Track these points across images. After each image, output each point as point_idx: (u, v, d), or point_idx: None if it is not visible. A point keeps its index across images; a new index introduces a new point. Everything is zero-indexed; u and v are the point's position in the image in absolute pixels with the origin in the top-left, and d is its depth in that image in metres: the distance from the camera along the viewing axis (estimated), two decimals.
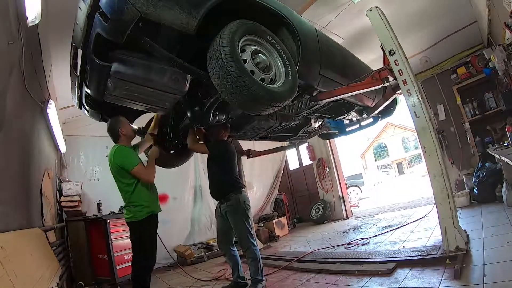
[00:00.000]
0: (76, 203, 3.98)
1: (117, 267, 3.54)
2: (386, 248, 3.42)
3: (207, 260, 4.91)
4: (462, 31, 4.79)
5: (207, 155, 2.99)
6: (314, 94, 2.73)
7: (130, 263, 2.48)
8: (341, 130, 3.89)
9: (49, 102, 2.93)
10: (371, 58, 4.36)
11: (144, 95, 2.01)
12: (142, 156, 2.72)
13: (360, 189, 12.23)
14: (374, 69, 2.95)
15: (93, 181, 4.77)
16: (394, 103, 4.00)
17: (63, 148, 4.07)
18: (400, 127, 31.38)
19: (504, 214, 3.37)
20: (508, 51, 3.52)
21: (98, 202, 4.23)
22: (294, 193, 8.09)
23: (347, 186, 7.91)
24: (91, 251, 3.75)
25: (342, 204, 6.78)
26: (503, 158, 2.73)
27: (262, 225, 6.04)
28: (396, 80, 2.65)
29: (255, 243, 2.80)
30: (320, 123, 3.51)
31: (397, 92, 3.02)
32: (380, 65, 2.83)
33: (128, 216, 2.40)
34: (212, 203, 5.64)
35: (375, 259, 2.87)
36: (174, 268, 4.62)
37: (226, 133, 3.01)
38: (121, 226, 3.65)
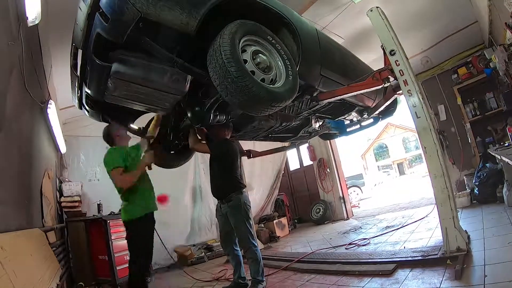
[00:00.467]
0: (76, 204, 3.99)
1: (117, 268, 3.53)
2: (387, 248, 3.42)
3: (207, 261, 4.89)
4: (463, 31, 4.78)
5: (209, 154, 2.99)
6: (315, 94, 2.72)
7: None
8: (342, 130, 3.88)
9: (49, 102, 2.93)
10: (372, 58, 4.34)
11: (144, 95, 2.01)
12: None
13: (360, 189, 12.23)
14: (374, 69, 2.94)
15: (93, 181, 4.76)
16: (394, 103, 4.00)
17: (63, 149, 4.06)
18: (401, 128, 31.27)
19: (505, 215, 3.36)
20: (509, 51, 3.52)
21: (98, 203, 4.23)
22: (294, 194, 8.07)
23: (347, 186, 7.91)
24: (91, 252, 3.75)
25: (343, 204, 6.76)
26: (504, 158, 2.71)
27: (262, 225, 6.03)
28: (397, 80, 2.64)
29: (256, 244, 2.80)
30: (320, 123, 3.50)
31: (397, 93, 3.02)
32: (381, 65, 2.82)
33: (124, 215, 2.41)
34: (212, 204, 5.64)
35: (376, 260, 2.86)
36: (174, 268, 4.61)
37: (228, 132, 3.00)
38: (121, 226, 3.58)
